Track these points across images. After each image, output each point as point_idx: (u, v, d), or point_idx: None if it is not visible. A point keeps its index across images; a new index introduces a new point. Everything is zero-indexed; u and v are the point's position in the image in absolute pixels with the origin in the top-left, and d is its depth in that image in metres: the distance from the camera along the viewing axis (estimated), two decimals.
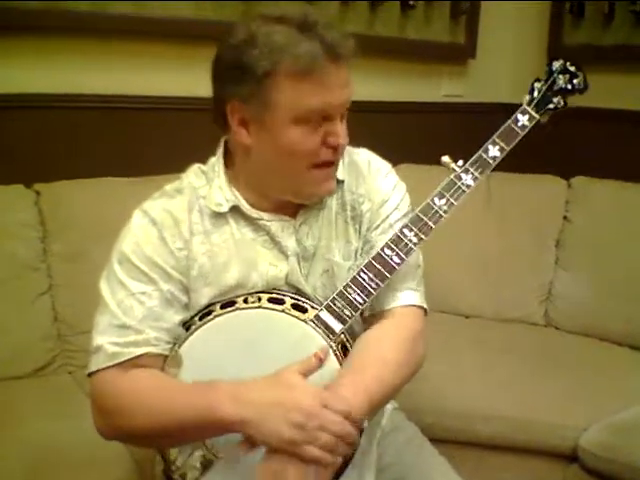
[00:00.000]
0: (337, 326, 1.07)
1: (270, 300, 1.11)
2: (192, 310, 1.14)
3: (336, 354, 1.07)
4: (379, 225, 1.21)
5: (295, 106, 1.04)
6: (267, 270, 1.15)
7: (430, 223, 1.12)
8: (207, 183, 1.17)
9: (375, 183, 1.22)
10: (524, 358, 1.96)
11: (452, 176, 1.16)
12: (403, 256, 1.11)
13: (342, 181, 1.19)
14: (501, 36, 2.73)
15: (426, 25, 2.59)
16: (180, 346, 1.09)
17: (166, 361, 1.09)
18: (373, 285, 1.09)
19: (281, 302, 1.11)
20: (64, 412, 1.62)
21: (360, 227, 1.20)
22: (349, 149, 1.22)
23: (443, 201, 1.13)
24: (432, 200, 1.14)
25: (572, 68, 1.22)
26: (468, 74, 2.81)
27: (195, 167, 1.20)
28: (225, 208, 1.14)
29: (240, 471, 1.00)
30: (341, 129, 1.09)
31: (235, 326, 1.10)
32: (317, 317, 1.09)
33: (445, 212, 1.13)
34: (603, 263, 2.20)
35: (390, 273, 1.10)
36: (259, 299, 1.12)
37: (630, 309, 2.10)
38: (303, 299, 1.13)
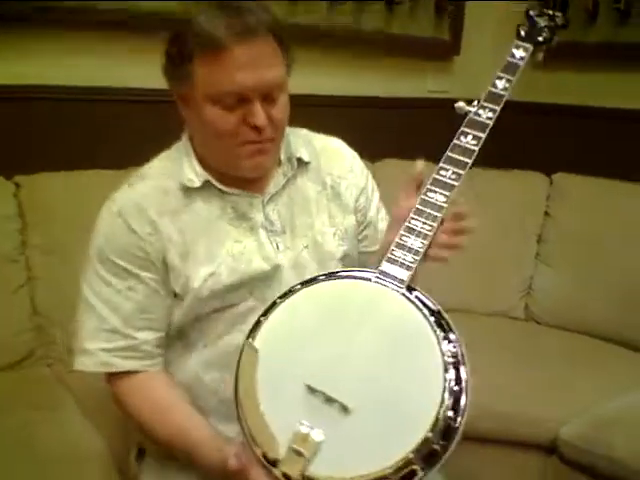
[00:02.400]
0: (404, 274, 1.03)
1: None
2: (191, 293, 1.12)
3: (408, 298, 1.03)
4: (370, 205, 1.29)
5: (207, 86, 1.04)
6: (232, 247, 1.14)
7: (464, 159, 1.10)
8: (176, 162, 1.15)
9: (351, 165, 1.27)
10: (504, 351, 1.99)
11: (470, 115, 1.16)
12: (446, 193, 1.09)
13: (307, 162, 1.21)
14: (485, 33, 2.74)
15: (411, 21, 2.60)
16: (254, 339, 1.03)
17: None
18: (427, 227, 1.06)
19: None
20: (42, 404, 1.63)
21: (343, 204, 1.23)
22: (316, 136, 1.28)
23: (469, 137, 1.13)
24: (458, 139, 1.13)
25: (549, 11, 1.30)
26: (453, 70, 2.84)
27: (162, 154, 1.19)
28: (197, 183, 1.13)
29: None
30: (261, 111, 1.05)
31: (300, 307, 1.05)
32: (381, 272, 1.05)
33: (475, 145, 1.11)
34: (583, 258, 2.23)
35: (440, 212, 1.08)
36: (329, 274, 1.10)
37: (609, 303, 2.13)
38: (363, 268, 1.10)
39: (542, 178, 2.38)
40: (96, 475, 1.44)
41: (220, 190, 1.15)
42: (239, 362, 1.01)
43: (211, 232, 1.14)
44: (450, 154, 1.13)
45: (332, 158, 1.27)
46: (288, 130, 1.20)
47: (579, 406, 1.71)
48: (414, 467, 0.90)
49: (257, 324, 1.03)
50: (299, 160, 1.20)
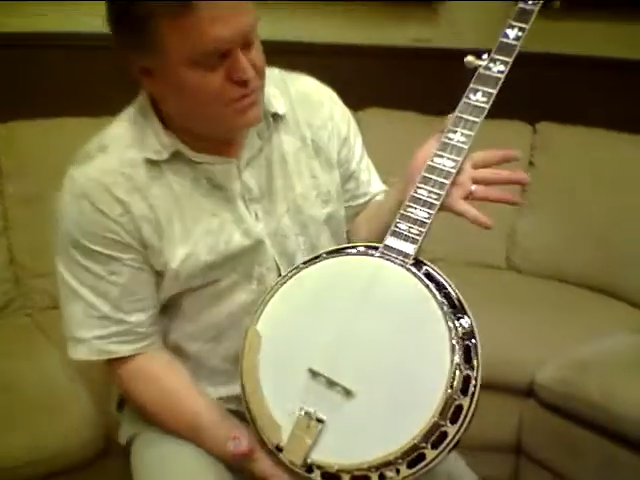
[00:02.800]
0: (409, 247, 0.97)
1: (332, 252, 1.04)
2: (170, 272, 1.04)
3: (414, 273, 0.97)
4: (353, 155, 1.19)
5: (182, 51, 0.91)
6: (209, 222, 1.06)
7: (473, 118, 1.02)
8: (138, 131, 1.03)
9: (331, 111, 1.16)
10: (483, 299, 1.92)
11: (480, 70, 1.07)
12: (456, 158, 1.00)
13: (282, 115, 1.09)
14: None
15: None
16: (256, 323, 0.99)
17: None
18: (433, 196, 0.99)
19: (351, 247, 1.04)
20: (23, 353, 1.62)
21: (326, 159, 1.14)
22: (290, 77, 1.16)
23: (479, 94, 1.04)
24: (467, 97, 1.04)
25: None
26: (437, 18, 2.73)
27: (120, 117, 1.07)
28: (165, 155, 1.02)
29: None
30: (245, 62, 0.94)
31: (302, 288, 1.00)
32: (385, 247, 0.99)
33: (485, 102, 1.02)
34: (565, 207, 2.22)
35: (447, 178, 0.99)
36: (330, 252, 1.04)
37: (590, 252, 2.13)
38: (368, 243, 1.03)
39: (526, 127, 2.35)
40: (76, 420, 1.44)
41: (191, 160, 1.04)
42: (242, 347, 0.98)
43: (185, 207, 1.05)
44: (459, 114, 1.03)
45: (310, 105, 1.15)
46: None
47: (557, 350, 1.73)
48: (423, 451, 0.87)
49: (259, 308, 1.00)
50: (274, 115, 1.09)
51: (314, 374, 0.94)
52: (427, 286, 0.95)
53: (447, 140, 1.02)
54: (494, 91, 1.04)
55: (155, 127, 1.03)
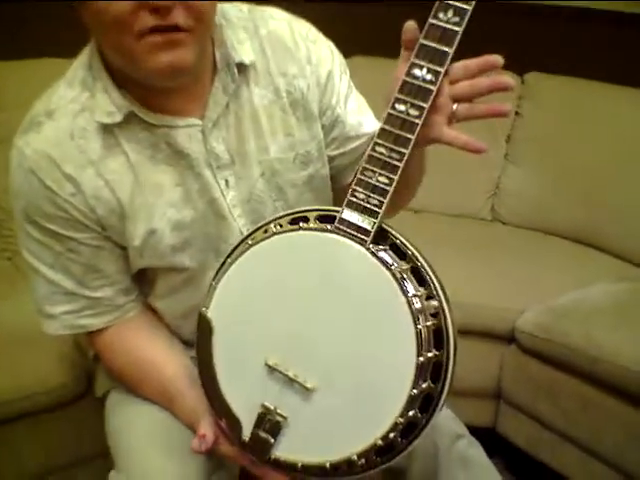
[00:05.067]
0: (367, 222, 0.83)
1: (291, 222, 0.89)
2: (133, 250, 0.97)
3: (378, 257, 0.83)
4: (337, 99, 1.03)
5: None
6: (172, 193, 0.94)
7: (443, 47, 0.80)
8: (86, 88, 0.91)
9: (308, 54, 1.00)
10: (468, 250, 1.96)
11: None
12: (422, 104, 0.81)
13: (249, 64, 0.95)
14: None
15: None
16: (208, 307, 0.91)
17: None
18: (395, 156, 0.82)
19: (304, 220, 0.89)
20: (3, 294, 1.61)
21: (305, 112, 1.00)
22: (261, 16, 0.99)
23: (450, 14, 0.80)
24: (433, 19, 0.80)
25: None
26: None
27: (69, 72, 0.94)
28: (118, 117, 0.89)
29: None
30: None
31: (254, 269, 0.89)
32: (340, 221, 0.84)
33: (457, 24, 0.79)
34: (552, 159, 2.17)
35: (412, 132, 0.81)
36: (280, 225, 0.90)
37: (575, 204, 2.10)
38: (328, 207, 0.89)
39: (514, 78, 2.25)
40: (57, 360, 1.43)
41: (148, 123, 0.91)
42: (196, 334, 0.91)
43: (144, 179, 0.93)
44: (423, 42, 0.81)
45: (283, 50, 0.98)
46: (222, 21, 0.94)
47: (538, 299, 1.72)
48: (391, 442, 0.82)
49: (210, 289, 0.90)
50: (240, 65, 0.94)
51: (271, 369, 0.87)
52: (389, 267, 0.82)
53: (410, 79, 0.82)
54: (469, 8, 0.79)
55: (105, 83, 0.89)
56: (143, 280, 1.04)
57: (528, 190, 2.22)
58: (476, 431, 1.12)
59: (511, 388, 1.75)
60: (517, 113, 2.27)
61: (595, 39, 2.37)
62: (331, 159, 1.06)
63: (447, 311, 0.83)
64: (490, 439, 1.22)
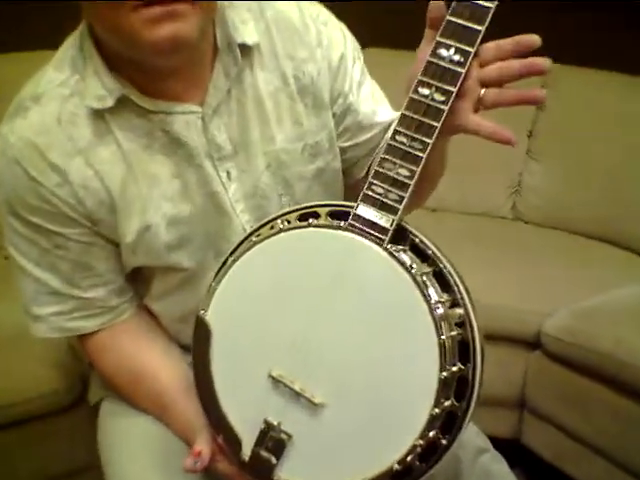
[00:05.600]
0: (386, 219, 0.75)
1: (300, 218, 0.81)
2: (125, 248, 0.89)
3: (397, 258, 0.74)
4: (349, 85, 0.95)
5: None
6: (168, 186, 0.87)
7: (474, 25, 0.72)
8: (76, 71, 0.84)
9: (319, 37, 0.92)
10: (489, 249, 1.87)
11: None
12: (449, 88, 0.72)
13: (252, 46, 0.88)
14: None
15: None
16: (206, 310, 0.83)
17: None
18: (418, 145, 0.73)
19: (314, 216, 0.80)
20: (1, 294, 1.57)
21: (315, 100, 0.93)
22: None
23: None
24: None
25: None
26: None
27: (58, 54, 0.87)
28: (110, 101, 0.82)
29: None
30: None
31: (258, 270, 0.80)
32: (355, 217, 0.76)
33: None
34: (576, 155, 2.08)
35: (437, 119, 0.72)
36: (288, 221, 0.81)
37: (600, 202, 2.01)
38: (342, 202, 0.81)
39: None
40: (52, 365, 1.37)
41: (142, 108, 0.84)
42: (193, 340, 0.83)
43: (138, 170, 0.86)
44: (451, 19, 0.72)
45: (291, 31, 0.90)
46: (225, 2, 0.86)
47: (564, 301, 1.63)
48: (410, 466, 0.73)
49: (209, 290, 0.82)
50: (243, 47, 0.87)
51: (276, 382, 0.78)
52: (409, 270, 0.72)
53: (435, 60, 0.73)
54: None
55: (96, 65, 0.82)
56: (138, 280, 0.96)
57: (551, 187, 2.13)
58: (498, 442, 1.05)
59: (536, 397, 1.66)
60: (540, 106, 2.17)
61: (622, 31, 2.27)
62: (343, 151, 0.98)
63: (474, 320, 0.74)
64: (513, 450, 1.15)
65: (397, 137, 0.74)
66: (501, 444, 1.05)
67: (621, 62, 2.12)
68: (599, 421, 1.51)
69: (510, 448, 1.15)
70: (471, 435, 1.01)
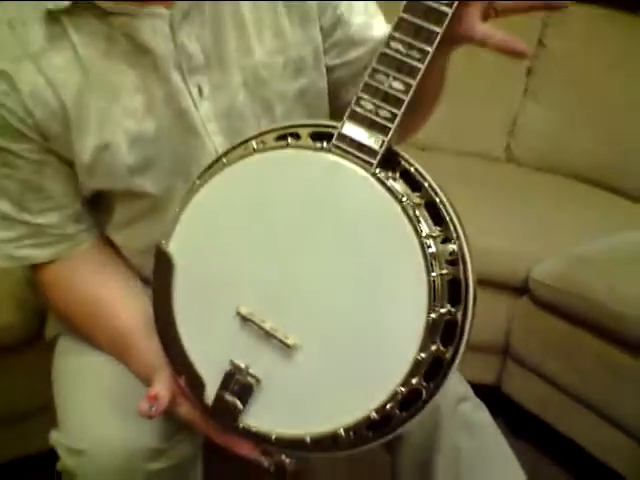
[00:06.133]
0: (375, 139, 0.66)
1: (278, 139, 0.72)
2: (81, 168, 0.80)
3: (386, 185, 0.66)
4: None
5: None
6: (131, 100, 0.78)
7: None
8: None
9: None
10: (480, 191, 1.78)
11: None
12: None
13: None
14: None
15: None
16: (168, 241, 0.74)
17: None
18: (416, 55, 0.65)
19: (294, 137, 0.71)
20: None
21: (300, 10, 0.84)
22: None
23: None
24: None
25: None
26: None
27: None
28: (66, 1, 0.73)
29: None
30: None
31: (227, 197, 0.72)
32: (340, 137, 0.67)
33: None
34: (576, 96, 1.99)
35: (439, 23, 0.64)
36: (264, 143, 0.72)
37: (598, 147, 1.93)
38: (326, 122, 0.72)
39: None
40: (4, 287, 1.29)
41: (103, 11, 0.74)
42: (153, 273, 0.75)
43: (96, 80, 0.77)
44: None
45: None
46: None
47: (555, 246, 1.57)
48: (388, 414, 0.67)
49: (173, 218, 0.73)
50: None
51: (245, 320, 0.70)
52: (399, 199, 0.65)
53: None
54: None
55: None
56: (98, 207, 0.87)
57: (547, 129, 2.04)
58: (478, 389, 1.00)
59: (520, 344, 1.60)
60: (540, 42, 2.06)
61: None
62: (330, 70, 0.89)
63: (468, 258, 0.66)
64: (493, 398, 1.10)
65: (392, 44, 0.66)
66: (481, 391, 1.01)
67: (628, 0, 2.01)
68: (586, 371, 1.46)
69: (490, 396, 1.10)
70: (452, 381, 0.95)
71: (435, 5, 0.63)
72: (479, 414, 0.97)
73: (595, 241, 1.59)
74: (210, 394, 0.72)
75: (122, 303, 0.86)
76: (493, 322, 1.62)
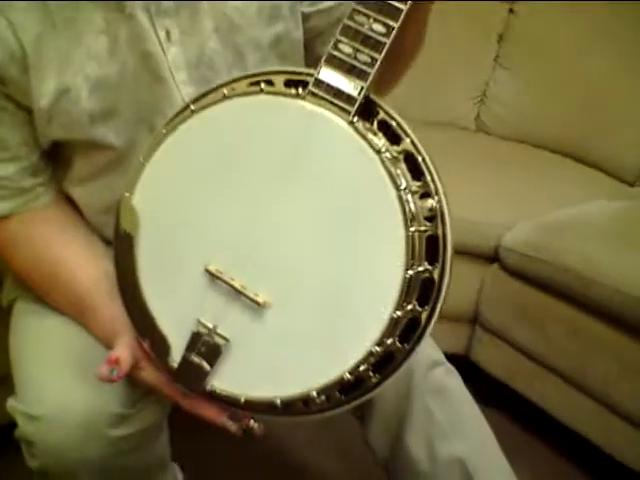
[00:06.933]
0: (354, 85, 0.63)
1: (252, 84, 0.68)
2: (39, 113, 0.75)
3: (364, 135, 0.64)
4: None
5: None
6: (94, 42, 0.74)
7: None
8: None
9: None
10: (450, 160, 1.73)
11: None
12: None
13: None
14: None
15: None
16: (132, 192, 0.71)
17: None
18: None
19: (268, 83, 0.68)
20: None
21: None
22: None
23: None
24: None
25: None
26: None
27: None
28: None
29: None
30: None
31: (195, 146, 0.69)
32: (317, 82, 0.64)
33: None
34: (547, 65, 1.97)
35: None
36: (233, 89, 0.69)
37: (568, 116, 1.92)
38: (301, 70, 0.68)
39: None
40: None
41: None
42: (115, 228, 0.71)
43: (58, 17, 0.73)
44: None
45: None
46: None
47: (526, 215, 1.56)
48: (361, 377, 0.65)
49: (136, 169, 0.70)
50: None
51: (213, 277, 0.67)
52: (377, 150, 0.63)
53: None
54: None
55: None
56: (57, 160, 0.83)
57: (518, 98, 2.02)
58: (448, 359, 1.00)
59: (490, 312, 1.59)
60: (512, 10, 2.04)
61: None
62: (305, 18, 0.85)
63: (447, 215, 0.64)
64: (462, 367, 1.09)
65: None
66: (450, 360, 1.00)
67: None
68: (557, 339, 1.45)
69: (458, 364, 1.09)
70: (426, 346, 0.93)
71: None
72: (451, 379, 0.96)
73: (568, 209, 1.58)
74: (176, 356, 0.69)
75: (82, 264, 0.82)
76: (463, 291, 1.60)
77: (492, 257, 1.58)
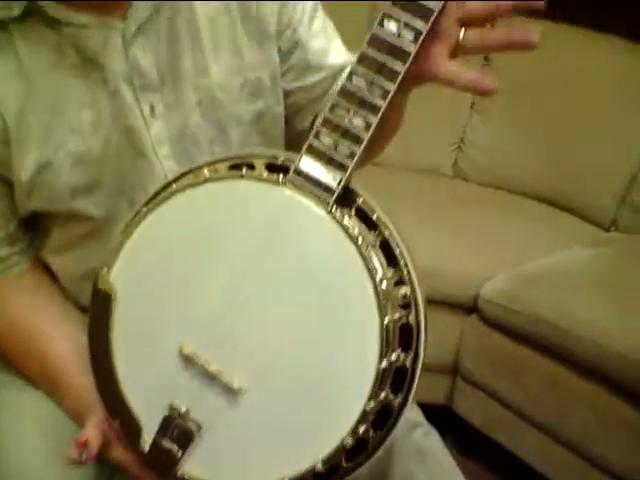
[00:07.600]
0: (333, 176, 0.63)
1: (232, 168, 0.68)
2: (20, 188, 0.75)
3: (342, 225, 0.64)
4: (300, 17, 0.83)
5: None
6: (77, 117, 0.73)
7: None
8: None
9: None
10: (427, 208, 1.78)
11: None
12: (419, 25, 0.60)
13: None
14: None
15: None
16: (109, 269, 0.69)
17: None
18: (378, 91, 0.62)
19: (249, 167, 0.67)
20: None
21: (259, 30, 0.80)
22: None
23: None
24: None
25: None
26: None
27: None
28: (16, 10, 0.70)
29: None
30: None
31: (175, 226, 0.68)
32: (297, 172, 0.64)
33: None
34: (522, 112, 2.00)
35: (403, 60, 0.61)
36: (217, 171, 0.68)
37: (544, 162, 1.95)
38: (281, 153, 0.69)
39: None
40: None
41: (53, 19, 0.70)
42: (91, 303, 0.70)
43: (41, 91, 0.72)
44: None
45: None
46: None
47: (504, 264, 1.57)
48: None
49: (115, 245, 0.69)
50: None
51: (188, 361, 0.66)
52: (355, 240, 0.63)
53: None
54: None
55: None
56: (35, 229, 0.82)
57: (495, 144, 2.05)
58: (428, 409, 0.98)
59: (470, 363, 1.60)
60: (485, 58, 2.07)
61: None
62: (287, 94, 0.85)
63: (420, 302, 0.64)
64: (444, 418, 1.09)
65: (354, 80, 0.62)
66: (431, 411, 0.99)
67: (576, 15, 2.05)
68: (534, 390, 1.46)
69: (440, 416, 1.08)
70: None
71: (399, 42, 0.60)
72: (431, 440, 0.94)
73: (543, 258, 1.60)
74: (147, 439, 0.67)
75: (56, 335, 0.81)
76: (442, 342, 1.61)
77: (471, 307, 1.59)
